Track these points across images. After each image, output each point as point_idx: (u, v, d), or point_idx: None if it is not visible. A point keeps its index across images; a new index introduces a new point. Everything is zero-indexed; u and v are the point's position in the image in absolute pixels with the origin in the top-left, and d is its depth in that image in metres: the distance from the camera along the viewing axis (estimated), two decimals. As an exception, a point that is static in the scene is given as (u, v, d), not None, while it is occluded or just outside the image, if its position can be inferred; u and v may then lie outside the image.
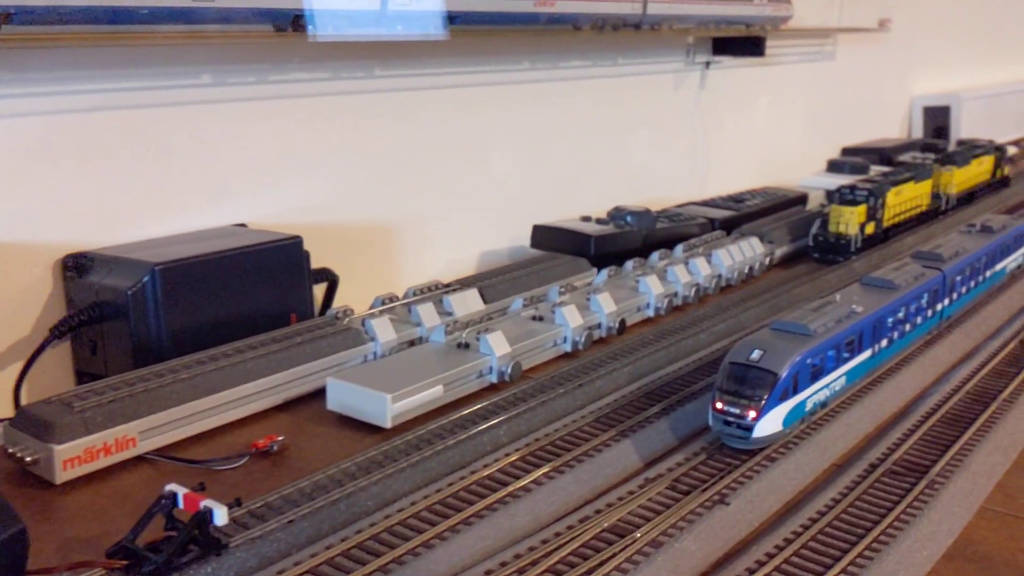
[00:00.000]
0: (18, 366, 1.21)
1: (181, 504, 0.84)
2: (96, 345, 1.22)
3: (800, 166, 2.72)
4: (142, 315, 1.17)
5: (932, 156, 2.47)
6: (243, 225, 1.43)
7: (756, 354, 1.04)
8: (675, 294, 1.58)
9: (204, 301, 1.23)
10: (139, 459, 1.04)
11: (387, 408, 1.12)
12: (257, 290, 1.29)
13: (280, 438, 1.08)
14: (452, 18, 1.52)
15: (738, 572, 0.83)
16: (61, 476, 0.98)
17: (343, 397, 1.15)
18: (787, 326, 1.09)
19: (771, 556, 0.85)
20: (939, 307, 1.38)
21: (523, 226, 1.85)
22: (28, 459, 0.98)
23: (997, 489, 1.02)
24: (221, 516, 0.81)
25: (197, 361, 1.14)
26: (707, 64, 2.34)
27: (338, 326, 1.29)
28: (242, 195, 1.46)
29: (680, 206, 2.11)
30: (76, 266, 1.24)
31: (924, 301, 1.32)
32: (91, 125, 1.28)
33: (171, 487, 0.84)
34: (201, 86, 1.38)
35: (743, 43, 2.27)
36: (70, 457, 0.98)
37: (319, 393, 1.20)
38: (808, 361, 1.05)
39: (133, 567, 0.81)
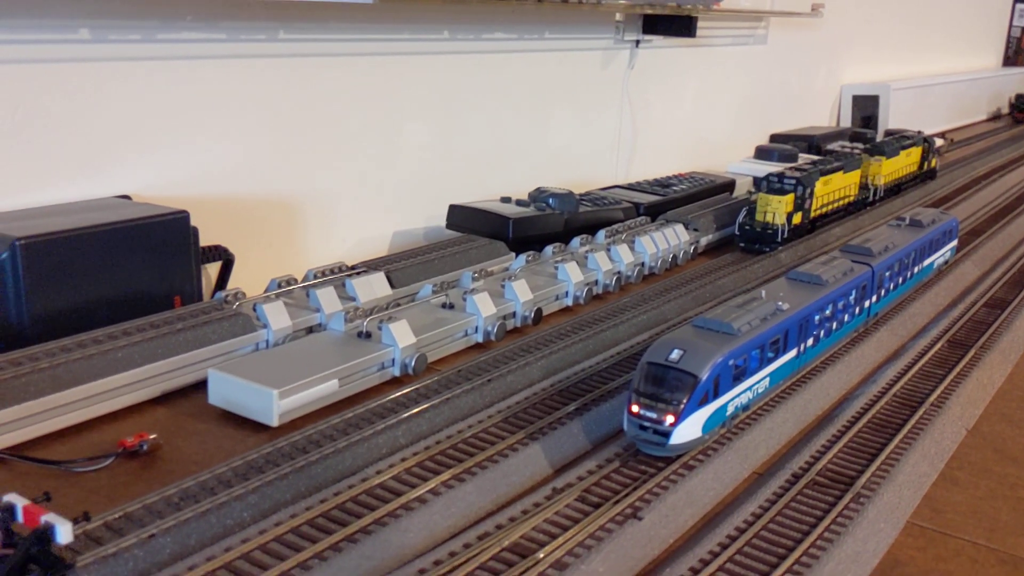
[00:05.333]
0: None
1: (20, 518, 0.73)
2: (-52, 328, 1.09)
3: (728, 151, 2.67)
4: (0, 295, 1.05)
5: (860, 145, 2.43)
6: (127, 197, 1.31)
7: (676, 354, 0.96)
8: (595, 282, 1.50)
9: (74, 281, 1.11)
10: (-12, 459, 0.93)
11: (273, 405, 1.01)
12: (136, 270, 1.17)
13: (152, 436, 0.97)
14: (365, -20, 1.41)
15: (648, 599, 0.75)
16: None
17: (225, 391, 1.05)
18: (709, 324, 1.01)
19: (685, 580, 0.78)
20: (867, 304, 1.32)
21: (439, 205, 1.75)
22: None
23: (924, 502, 0.96)
24: (64, 533, 0.71)
25: (62, 348, 1.02)
26: (636, 43, 2.26)
27: (226, 311, 1.18)
28: (126, 164, 1.33)
29: (604, 189, 2.03)
30: (-72, 238, 1.10)
31: (852, 298, 1.26)
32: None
33: (8, 497, 0.73)
34: (78, 42, 1.25)
35: (674, 22, 2.20)
36: (-99, 457, 0.86)
37: (201, 385, 1.09)
38: (731, 362, 0.98)
39: (-43, 592, 0.70)
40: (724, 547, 0.82)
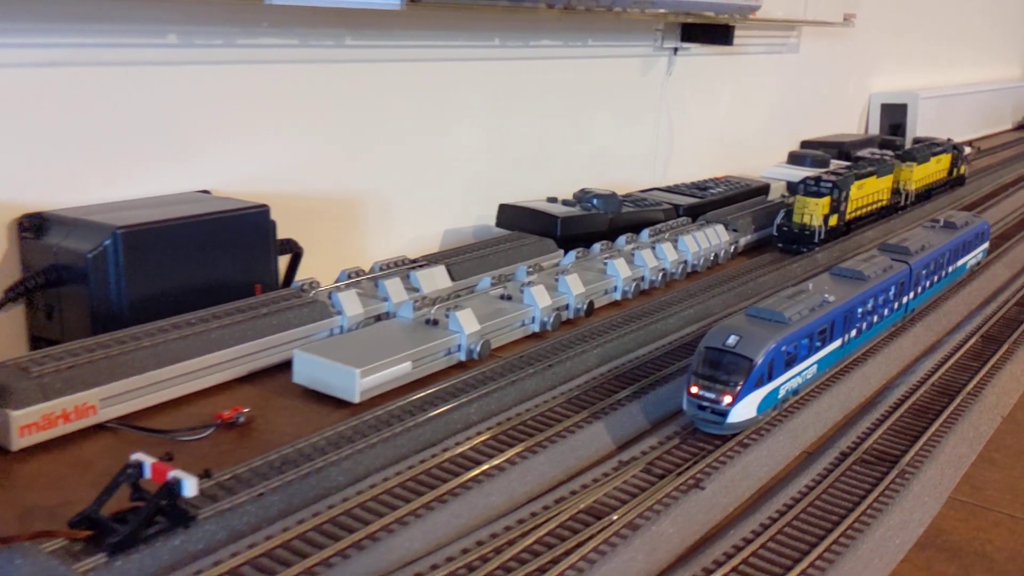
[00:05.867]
0: (-31, 328, 1.17)
1: (148, 474, 0.81)
2: (52, 309, 1.17)
3: (760, 156, 2.74)
4: (102, 280, 1.13)
5: (890, 152, 2.50)
6: (206, 192, 1.39)
7: (732, 339, 1.03)
8: (642, 278, 1.57)
9: (167, 268, 1.19)
10: (99, 427, 1.01)
11: (356, 383, 1.09)
12: (222, 259, 1.25)
13: (246, 410, 1.05)
14: (428, -11, 1.49)
15: (715, 556, 0.82)
16: (18, 443, 0.94)
17: (310, 370, 1.13)
18: (762, 313, 1.09)
19: (748, 541, 0.85)
20: (905, 300, 1.39)
21: (486, 205, 1.83)
22: (-18, 424, 0.94)
23: (964, 480, 1.03)
24: (190, 487, 0.79)
25: (160, 329, 1.11)
26: (675, 50, 2.33)
27: (304, 298, 1.26)
28: (206, 161, 1.42)
29: (644, 191, 2.11)
30: (32, 227, 1.19)
31: (891, 293, 1.33)
32: (51, 81, 1.23)
33: (137, 456, 0.81)
34: (167, 46, 1.33)
35: (712, 31, 2.27)
36: (27, 423, 0.94)
37: (284, 366, 1.17)
38: (783, 348, 1.05)
39: (97, 538, 0.78)
40: (782, 513, 0.90)
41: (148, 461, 0.81)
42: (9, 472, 0.92)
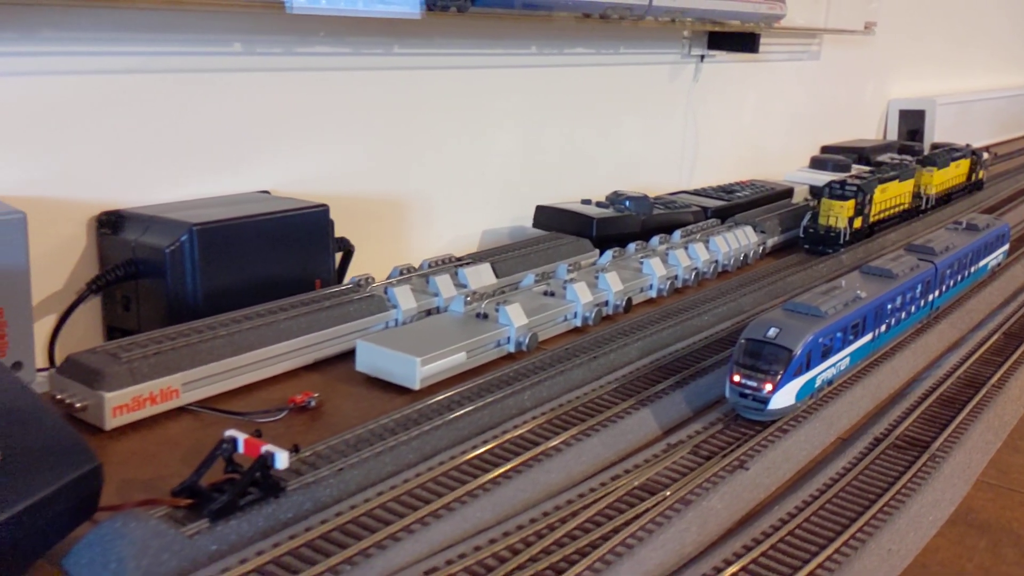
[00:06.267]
0: (51, 319, 1.24)
1: (241, 449, 0.88)
2: (129, 301, 1.25)
3: (781, 161, 2.81)
4: (178, 273, 1.21)
5: (909, 157, 2.56)
6: (266, 192, 1.47)
7: (772, 331, 1.10)
8: (675, 277, 1.64)
9: (236, 263, 1.26)
10: (181, 410, 1.08)
11: (416, 370, 1.16)
12: (285, 254, 1.33)
13: (316, 395, 1.12)
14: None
15: (763, 528, 0.89)
16: (110, 422, 1.01)
17: (372, 359, 1.20)
18: (799, 307, 1.15)
19: (792, 516, 0.92)
20: (931, 297, 1.45)
21: (520, 207, 1.91)
22: (77, 405, 1.01)
23: (991, 464, 1.09)
24: (282, 460, 0.86)
25: (233, 320, 1.18)
26: (702, 58, 2.40)
27: (361, 292, 1.34)
28: (264, 163, 1.49)
29: (672, 194, 2.18)
30: (110, 224, 1.27)
31: (918, 291, 1.40)
32: (126, 87, 1.31)
33: (231, 432, 0.88)
34: (232, 54, 1.41)
35: (737, 39, 2.34)
36: (119, 404, 1.02)
37: (345, 355, 1.25)
38: (820, 340, 1.11)
39: (198, 506, 0.85)
40: (822, 492, 0.96)
41: (241, 437, 0.88)
42: (105, 449, 0.99)
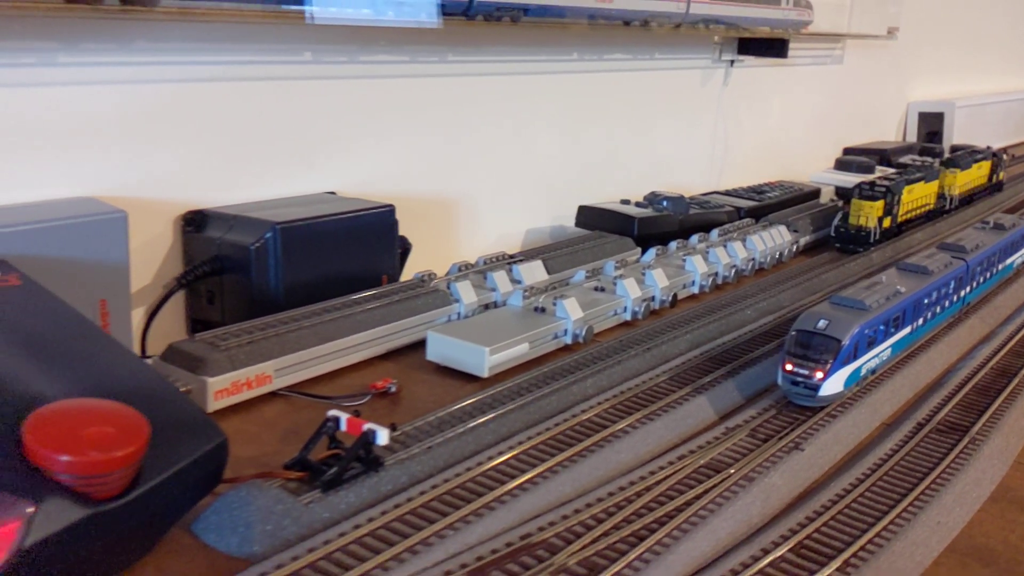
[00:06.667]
0: (141, 311, 1.32)
1: (344, 427, 0.96)
2: (213, 295, 1.33)
3: (806, 162, 2.88)
4: (262, 268, 1.29)
5: (931, 159, 2.64)
6: (332, 192, 1.55)
7: (822, 323, 1.18)
8: (716, 274, 1.72)
9: (313, 259, 1.35)
10: (272, 395, 1.16)
11: (485, 359, 1.25)
12: (356, 252, 1.41)
13: (395, 381, 1.20)
14: (525, 10, 1.64)
15: (823, 502, 0.97)
16: (212, 405, 1.10)
17: (443, 349, 1.28)
18: (845, 301, 1.23)
19: (847, 492, 0.99)
20: (962, 293, 1.53)
21: (561, 207, 1.99)
22: (181, 389, 1.09)
23: (1027, 448, 1.17)
24: (383, 437, 0.94)
25: (314, 312, 1.26)
26: (732, 63, 2.48)
27: (426, 287, 1.42)
28: (329, 165, 1.58)
29: (705, 194, 2.25)
30: (194, 222, 1.35)
31: (952, 287, 1.47)
32: (207, 94, 1.39)
33: (334, 412, 0.97)
34: (302, 63, 1.49)
35: (767, 44, 2.42)
36: (220, 389, 1.10)
37: (415, 345, 1.33)
38: (866, 331, 1.19)
39: (308, 479, 0.93)
40: (873, 471, 1.04)
41: (343, 416, 0.96)
42: (209, 429, 1.07)
